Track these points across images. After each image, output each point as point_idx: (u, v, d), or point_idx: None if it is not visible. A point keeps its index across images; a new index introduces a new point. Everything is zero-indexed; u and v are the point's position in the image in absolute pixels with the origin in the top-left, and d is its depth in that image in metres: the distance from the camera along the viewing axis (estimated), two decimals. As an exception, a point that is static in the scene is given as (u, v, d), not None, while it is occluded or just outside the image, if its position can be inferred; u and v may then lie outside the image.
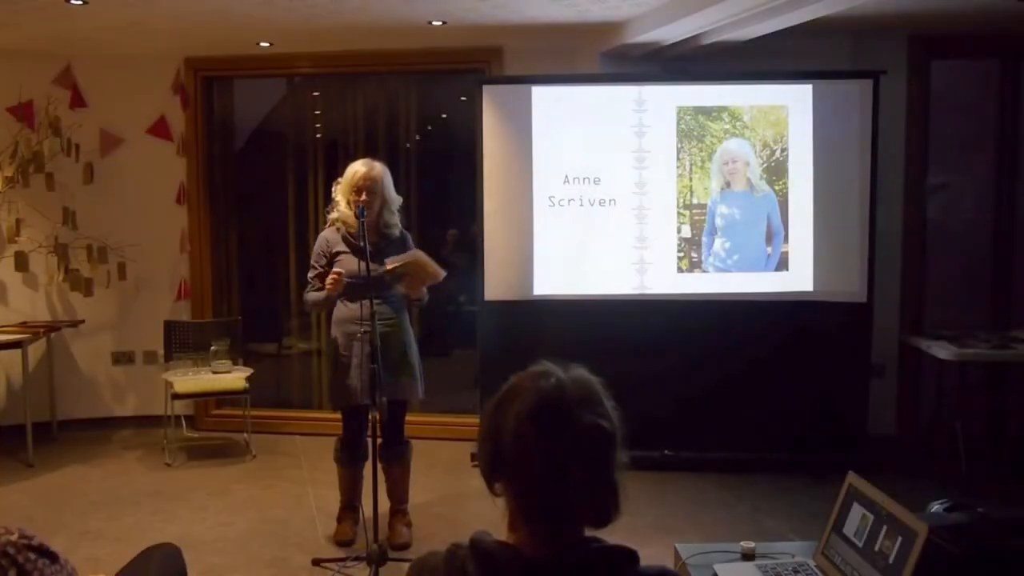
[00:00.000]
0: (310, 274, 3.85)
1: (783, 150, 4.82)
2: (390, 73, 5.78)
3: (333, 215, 3.84)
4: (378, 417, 3.43)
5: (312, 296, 3.83)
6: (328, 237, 3.84)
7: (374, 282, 3.53)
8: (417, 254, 3.77)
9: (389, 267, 3.65)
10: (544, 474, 1.24)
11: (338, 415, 3.97)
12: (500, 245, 4.90)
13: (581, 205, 4.86)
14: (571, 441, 1.24)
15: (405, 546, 3.87)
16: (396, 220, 3.87)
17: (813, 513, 4.13)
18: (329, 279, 3.68)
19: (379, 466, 3.68)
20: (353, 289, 3.69)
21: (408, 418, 4.03)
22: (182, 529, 4.12)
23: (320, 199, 5.76)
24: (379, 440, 3.63)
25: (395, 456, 3.91)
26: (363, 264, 3.54)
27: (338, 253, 3.79)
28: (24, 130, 5.39)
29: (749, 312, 4.82)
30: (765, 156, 4.83)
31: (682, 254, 4.86)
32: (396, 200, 3.87)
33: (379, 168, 3.79)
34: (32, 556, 1.66)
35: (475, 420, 4.98)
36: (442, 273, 3.80)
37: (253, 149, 6.47)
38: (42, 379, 5.57)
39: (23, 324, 5.46)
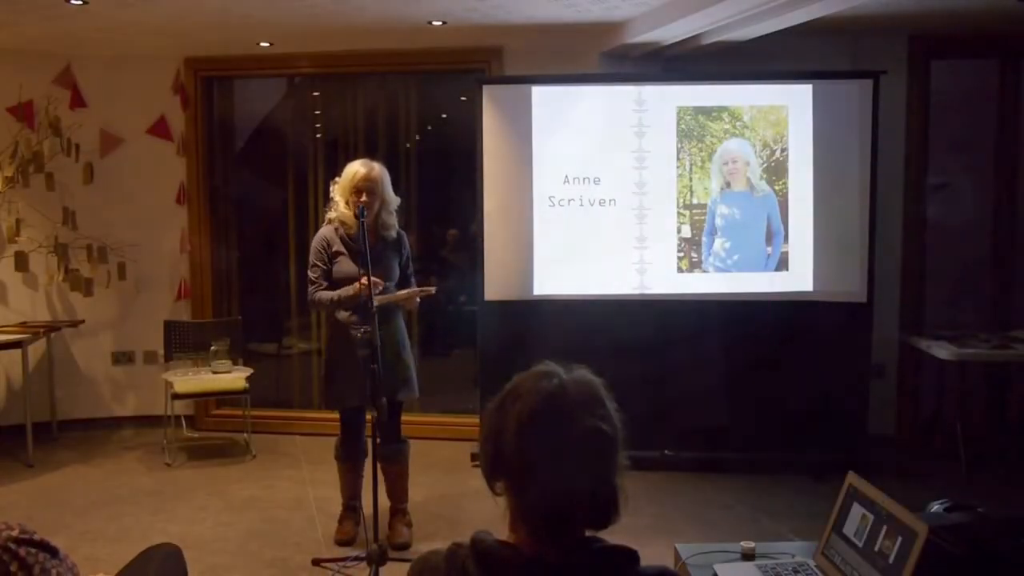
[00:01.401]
0: (314, 273, 3.79)
1: (783, 150, 4.83)
2: (390, 73, 5.78)
3: (332, 214, 3.83)
4: (376, 417, 3.43)
5: (324, 295, 3.75)
6: (327, 236, 3.82)
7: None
8: (402, 295, 3.79)
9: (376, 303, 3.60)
10: (545, 475, 1.25)
11: (337, 415, 3.97)
12: (500, 245, 4.90)
13: (581, 205, 4.86)
14: (572, 443, 1.25)
15: (405, 546, 3.87)
16: (394, 221, 3.87)
17: (813, 513, 4.13)
18: (364, 281, 3.53)
19: (378, 466, 3.68)
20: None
21: (408, 418, 4.04)
22: (182, 529, 4.12)
23: (320, 199, 5.76)
24: (377, 440, 3.63)
25: (393, 455, 3.91)
26: (362, 267, 3.53)
27: (337, 253, 3.79)
28: (24, 130, 5.40)
29: (749, 312, 4.82)
30: (765, 156, 4.83)
31: (682, 254, 4.86)
32: (394, 201, 3.86)
33: (378, 169, 3.78)
34: (33, 551, 1.66)
35: (475, 420, 4.98)
36: (431, 290, 3.85)
37: (253, 149, 6.47)
38: (42, 379, 5.57)
39: (23, 324, 5.46)
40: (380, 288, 3.64)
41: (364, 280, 3.55)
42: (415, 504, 4.15)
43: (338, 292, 3.72)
